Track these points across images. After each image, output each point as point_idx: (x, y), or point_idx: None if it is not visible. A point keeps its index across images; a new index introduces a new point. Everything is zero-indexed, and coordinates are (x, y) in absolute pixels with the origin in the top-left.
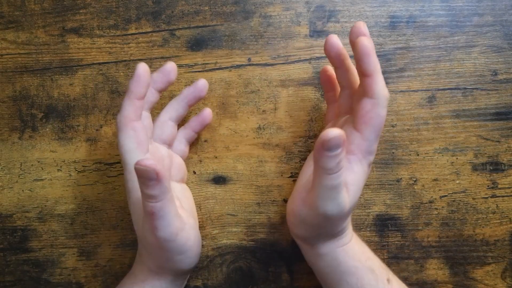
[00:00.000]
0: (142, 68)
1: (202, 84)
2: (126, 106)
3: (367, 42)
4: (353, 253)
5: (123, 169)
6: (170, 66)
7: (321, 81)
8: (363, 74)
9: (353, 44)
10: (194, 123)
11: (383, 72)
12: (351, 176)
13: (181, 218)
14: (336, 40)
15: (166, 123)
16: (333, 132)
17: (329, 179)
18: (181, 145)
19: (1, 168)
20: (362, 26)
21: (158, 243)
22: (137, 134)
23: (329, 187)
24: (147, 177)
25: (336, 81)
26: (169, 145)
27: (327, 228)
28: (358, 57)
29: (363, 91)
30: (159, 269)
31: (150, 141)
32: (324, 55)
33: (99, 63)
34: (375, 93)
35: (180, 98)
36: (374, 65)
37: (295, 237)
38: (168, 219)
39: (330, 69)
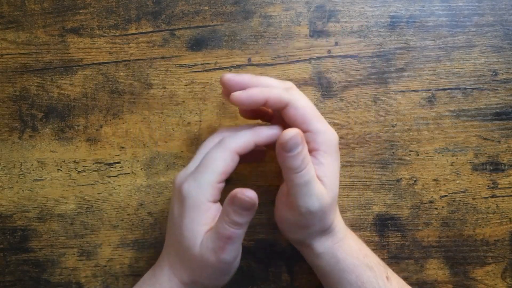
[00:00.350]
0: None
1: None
2: (246, 138)
3: (241, 94)
4: (350, 249)
5: (184, 206)
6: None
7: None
8: (264, 104)
9: (238, 105)
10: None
11: (383, 72)
12: (321, 170)
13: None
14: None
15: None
16: (289, 133)
17: (299, 177)
18: None
19: (1, 168)
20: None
21: (216, 263)
22: (231, 166)
23: (302, 184)
24: (245, 207)
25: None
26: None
27: (316, 224)
28: (248, 106)
29: (277, 110)
30: (193, 283)
31: None
32: (324, 55)
33: (99, 63)
34: (284, 100)
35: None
36: (260, 94)
37: (291, 242)
38: (237, 245)
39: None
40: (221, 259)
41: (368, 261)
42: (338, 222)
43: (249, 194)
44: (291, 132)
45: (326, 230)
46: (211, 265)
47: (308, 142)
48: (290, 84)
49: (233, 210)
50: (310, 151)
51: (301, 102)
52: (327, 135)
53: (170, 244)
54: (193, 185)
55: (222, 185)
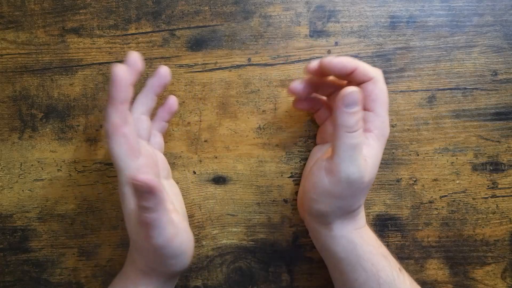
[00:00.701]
0: (119, 71)
1: (163, 71)
2: (111, 113)
3: (333, 59)
4: (368, 237)
5: (118, 175)
6: (164, 70)
7: (304, 106)
8: (350, 73)
9: (326, 68)
10: (162, 114)
11: (383, 72)
12: (368, 150)
13: (175, 223)
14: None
15: (140, 119)
16: (350, 89)
17: (350, 137)
18: (156, 138)
19: (1, 168)
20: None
21: (152, 249)
22: (128, 140)
23: (350, 146)
24: (143, 191)
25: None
26: (147, 140)
27: (348, 199)
28: (338, 71)
29: (359, 81)
30: (152, 271)
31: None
32: (324, 55)
33: (99, 63)
34: (370, 73)
35: (146, 91)
36: (352, 62)
37: (313, 217)
38: (162, 228)
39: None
40: (152, 244)
41: (383, 251)
42: (362, 209)
43: (142, 178)
44: (353, 88)
45: (351, 213)
46: (150, 251)
47: (366, 121)
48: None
49: (137, 195)
50: (365, 130)
51: (381, 84)
52: (385, 123)
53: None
54: (118, 177)
55: (140, 162)
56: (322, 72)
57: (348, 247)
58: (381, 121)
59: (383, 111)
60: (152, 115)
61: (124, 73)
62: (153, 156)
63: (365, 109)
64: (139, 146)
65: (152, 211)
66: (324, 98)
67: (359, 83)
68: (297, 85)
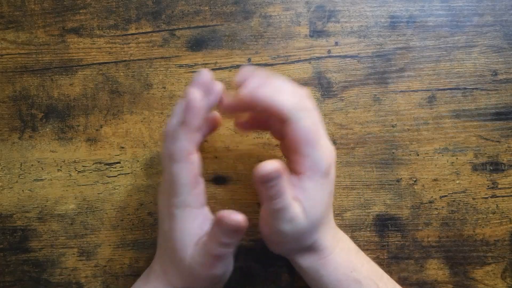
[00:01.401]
0: (197, 96)
1: (218, 90)
2: (183, 138)
3: (242, 92)
4: (335, 266)
5: (172, 196)
6: (219, 90)
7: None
8: (263, 108)
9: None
10: (203, 128)
11: (383, 72)
12: (303, 194)
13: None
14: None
15: None
16: (266, 167)
17: (274, 204)
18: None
19: (1, 168)
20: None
21: (206, 277)
22: (194, 168)
23: (276, 210)
24: (232, 230)
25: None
26: None
27: (293, 243)
28: (244, 101)
29: (277, 119)
30: None
31: None
32: (324, 55)
33: (99, 63)
34: (283, 114)
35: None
36: (262, 101)
37: (276, 253)
38: (228, 261)
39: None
40: (210, 274)
41: (356, 275)
42: (324, 240)
43: (235, 218)
44: (269, 166)
45: (307, 248)
46: (201, 277)
47: (295, 163)
48: (304, 93)
49: (221, 232)
50: (296, 172)
51: (300, 123)
52: (315, 161)
53: (163, 251)
54: (171, 199)
55: (200, 189)
56: (237, 107)
57: (314, 277)
58: (309, 161)
59: (309, 150)
60: None
61: (201, 99)
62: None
63: (291, 149)
64: (200, 176)
65: (229, 247)
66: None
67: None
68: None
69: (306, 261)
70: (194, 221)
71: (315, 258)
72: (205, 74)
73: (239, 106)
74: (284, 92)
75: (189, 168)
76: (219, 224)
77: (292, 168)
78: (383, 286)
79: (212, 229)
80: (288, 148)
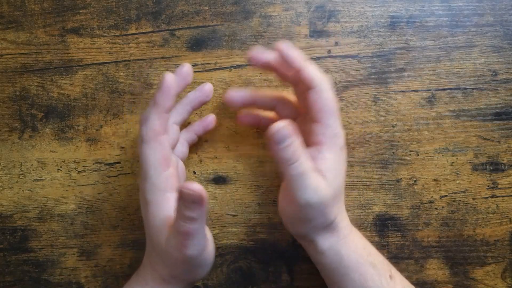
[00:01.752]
0: (170, 79)
1: (207, 88)
2: (153, 118)
3: (283, 45)
4: (354, 246)
5: (143, 180)
6: (208, 88)
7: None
8: (296, 70)
9: (279, 55)
10: (197, 127)
11: (383, 72)
12: (324, 164)
13: (206, 235)
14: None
15: (171, 127)
16: (277, 125)
17: (293, 168)
18: (183, 147)
19: (1, 168)
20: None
21: (181, 259)
22: (164, 149)
23: (296, 176)
24: (192, 200)
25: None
26: (173, 148)
27: (317, 218)
28: (283, 59)
29: (305, 86)
30: (173, 278)
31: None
32: (324, 55)
33: (99, 63)
34: (313, 82)
35: (184, 102)
36: (298, 58)
37: (296, 237)
38: (198, 239)
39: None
40: (186, 255)
41: (372, 259)
42: (342, 218)
43: (193, 187)
44: (280, 124)
45: (329, 226)
46: (180, 261)
47: (316, 134)
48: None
49: (183, 205)
50: (317, 143)
51: (327, 93)
52: (336, 131)
53: (148, 241)
54: (143, 183)
55: (171, 172)
56: (266, 63)
57: (335, 259)
58: (331, 131)
59: (331, 121)
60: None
61: (174, 82)
62: (176, 166)
63: (313, 120)
64: (171, 158)
65: (194, 222)
66: (270, 114)
67: (303, 89)
68: (234, 94)
69: (327, 241)
70: (166, 205)
71: (336, 238)
72: (185, 66)
73: (276, 63)
74: (313, 64)
75: (157, 148)
76: (180, 197)
77: (311, 140)
78: (394, 273)
79: (177, 205)
80: (309, 119)
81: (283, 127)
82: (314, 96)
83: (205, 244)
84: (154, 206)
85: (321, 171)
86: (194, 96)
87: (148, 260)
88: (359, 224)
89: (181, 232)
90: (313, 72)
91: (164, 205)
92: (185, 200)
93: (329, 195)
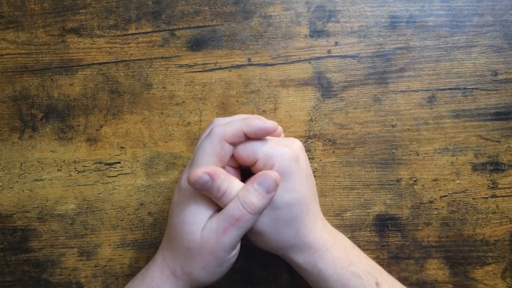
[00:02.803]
0: (274, 126)
1: (272, 128)
2: (235, 126)
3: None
4: (332, 259)
5: (191, 168)
6: (274, 128)
7: None
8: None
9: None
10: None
11: (383, 72)
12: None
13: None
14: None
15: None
16: (192, 176)
17: (221, 203)
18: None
19: (1, 168)
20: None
21: (213, 248)
22: (223, 152)
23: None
24: (269, 187)
25: None
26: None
27: (272, 242)
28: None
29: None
30: (186, 275)
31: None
32: (324, 55)
33: (99, 63)
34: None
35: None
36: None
37: (268, 250)
38: (239, 232)
39: None
40: (220, 242)
41: (354, 269)
42: (316, 237)
43: (276, 175)
44: (194, 175)
45: (297, 246)
46: (209, 250)
47: (267, 167)
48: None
49: (254, 189)
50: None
51: (240, 147)
52: (276, 157)
53: (168, 238)
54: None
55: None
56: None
57: (313, 272)
58: (265, 159)
59: (261, 148)
60: None
61: (272, 130)
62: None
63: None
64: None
65: (253, 214)
66: None
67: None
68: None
69: (300, 257)
70: (207, 199)
71: (309, 253)
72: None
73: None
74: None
75: (218, 148)
76: (257, 179)
77: None
78: (382, 280)
79: (245, 188)
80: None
81: (199, 175)
82: (236, 153)
83: (238, 242)
84: (197, 200)
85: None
86: (255, 127)
87: (161, 256)
88: (359, 224)
89: (232, 216)
90: (248, 152)
91: (206, 199)
92: (261, 183)
93: (270, 217)
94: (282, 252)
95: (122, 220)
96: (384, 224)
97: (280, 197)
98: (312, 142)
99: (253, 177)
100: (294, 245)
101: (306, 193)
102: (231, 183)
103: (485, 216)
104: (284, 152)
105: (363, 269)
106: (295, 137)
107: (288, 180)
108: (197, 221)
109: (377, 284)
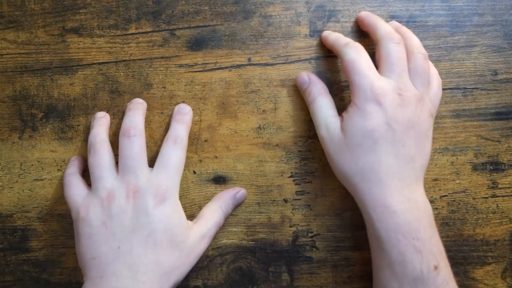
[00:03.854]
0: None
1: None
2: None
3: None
4: (395, 223)
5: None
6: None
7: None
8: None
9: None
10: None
11: None
12: (345, 115)
13: None
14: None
15: None
16: (299, 73)
17: (311, 107)
18: None
19: (1, 168)
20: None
21: (201, 250)
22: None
23: (313, 114)
24: (240, 203)
25: None
26: None
27: (342, 164)
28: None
29: None
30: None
31: None
32: (324, 55)
33: (99, 63)
34: (336, 49)
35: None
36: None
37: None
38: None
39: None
40: (206, 245)
41: (417, 244)
42: (384, 192)
43: (244, 191)
44: (301, 73)
45: (364, 190)
46: (199, 251)
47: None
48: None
49: (233, 204)
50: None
51: (348, 56)
52: (358, 87)
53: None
54: (169, 184)
55: None
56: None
57: (371, 227)
58: (353, 87)
59: (352, 76)
60: None
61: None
62: None
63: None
64: None
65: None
66: None
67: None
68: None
69: (364, 205)
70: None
71: (374, 204)
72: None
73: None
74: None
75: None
76: (235, 197)
77: None
78: (443, 265)
79: (225, 201)
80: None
81: (301, 75)
82: (341, 63)
83: None
84: (179, 207)
85: (342, 119)
86: (230, 197)
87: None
88: (359, 224)
89: (218, 224)
90: (336, 45)
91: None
92: (238, 201)
93: (340, 139)
94: (352, 191)
95: None
96: None
97: (352, 125)
98: (312, 142)
99: (232, 193)
100: (360, 188)
101: (377, 137)
102: (322, 96)
103: (485, 216)
104: (364, 88)
105: (427, 248)
106: (295, 137)
107: (360, 113)
108: (186, 228)
109: (436, 267)
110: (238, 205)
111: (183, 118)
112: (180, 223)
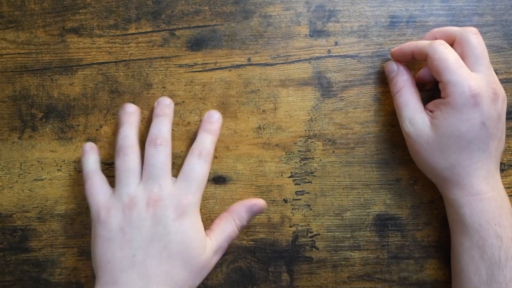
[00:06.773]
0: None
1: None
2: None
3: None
4: (481, 210)
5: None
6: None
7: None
8: (414, 58)
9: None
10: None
11: (383, 72)
12: (435, 115)
13: None
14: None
15: None
16: (388, 62)
17: (396, 98)
18: None
19: (1, 168)
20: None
21: (212, 264)
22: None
23: (398, 106)
24: (256, 215)
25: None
26: None
27: (429, 161)
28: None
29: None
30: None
31: None
32: (324, 55)
33: (99, 63)
34: (424, 51)
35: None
36: (406, 50)
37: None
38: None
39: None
40: (218, 259)
41: (498, 230)
42: (472, 183)
43: (263, 204)
44: (389, 61)
45: (452, 183)
46: (210, 266)
47: (442, 89)
48: (469, 29)
49: (248, 216)
50: (443, 97)
51: (437, 55)
52: (454, 88)
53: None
54: (191, 198)
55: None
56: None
57: (457, 211)
58: (450, 87)
59: (447, 76)
60: None
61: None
62: None
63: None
64: None
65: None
66: None
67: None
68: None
69: (451, 194)
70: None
71: (461, 194)
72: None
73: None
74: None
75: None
76: (251, 209)
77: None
78: None
79: (239, 214)
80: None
81: (391, 62)
82: (428, 64)
83: None
84: (198, 221)
85: (431, 115)
86: (246, 208)
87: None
88: (359, 224)
89: (231, 237)
90: (420, 47)
91: (200, 219)
92: (254, 214)
93: (428, 136)
94: (436, 181)
95: None
96: (384, 224)
97: (447, 125)
98: (312, 142)
99: (248, 205)
100: (447, 180)
101: (472, 137)
102: (408, 88)
103: None
104: (461, 90)
105: (508, 235)
106: (295, 137)
107: (456, 114)
108: (201, 242)
109: None
110: (255, 216)
111: (211, 127)
112: (197, 238)
